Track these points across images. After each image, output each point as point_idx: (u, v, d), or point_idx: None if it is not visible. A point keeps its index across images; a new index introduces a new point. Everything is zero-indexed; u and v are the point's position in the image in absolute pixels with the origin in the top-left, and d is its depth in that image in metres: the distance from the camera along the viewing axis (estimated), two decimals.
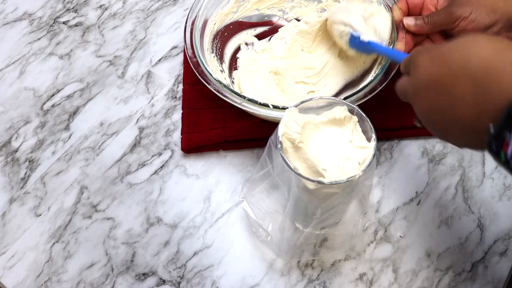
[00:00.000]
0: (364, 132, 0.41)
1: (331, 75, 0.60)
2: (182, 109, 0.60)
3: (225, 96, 0.50)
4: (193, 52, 0.53)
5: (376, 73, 0.51)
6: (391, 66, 0.51)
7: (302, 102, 0.42)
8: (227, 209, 0.53)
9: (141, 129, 0.59)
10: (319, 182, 0.37)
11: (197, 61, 0.52)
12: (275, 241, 0.48)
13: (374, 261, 0.50)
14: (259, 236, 0.49)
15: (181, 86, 0.62)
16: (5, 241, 0.52)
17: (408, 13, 0.53)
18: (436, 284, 0.49)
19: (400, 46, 0.52)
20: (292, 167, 0.38)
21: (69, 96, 0.63)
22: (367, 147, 0.39)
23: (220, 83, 0.50)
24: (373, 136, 0.39)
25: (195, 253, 0.51)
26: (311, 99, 0.42)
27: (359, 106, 0.41)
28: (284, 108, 0.48)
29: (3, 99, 0.63)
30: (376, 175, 0.55)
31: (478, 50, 0.28)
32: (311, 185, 0.38)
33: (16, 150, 0.59)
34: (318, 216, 0.44)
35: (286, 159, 0.38)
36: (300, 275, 0.50)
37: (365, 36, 0.52)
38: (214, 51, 0.60)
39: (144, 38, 0.68)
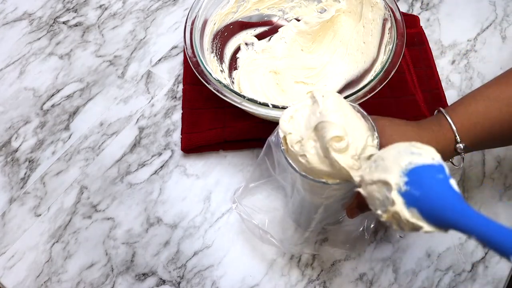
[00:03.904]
0: None
1: (331, 75, 0.60)
2: (182, 109, 0.60)
3: (225, 95, 0.50)
4: (193, 52, 0.53)
5: (376, 72, 0.51)
6: (391, 65, 0.51)
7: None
8: (227, 209, 0.53)
9: (141, 129, 0.59)
10: (324, 183, 0.37)
11: (197, 61, 0.52)
12: (277, 238, 0.48)
13: (374, 261, 0.50)
14: (259, 237, 0.49)
15: (181, 86, 0.62)
16: (5, 241, 0.52)
17: None
18: (436, 284, 0.49)
19: None
20: (296, 168, 0.38)
21: (69, 96, 0.63)
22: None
23: (220, 82, 0.50)
24: (375, 134, 0.39)
25: (195, 253, 0.51)
26: None
27: (359, 105, 0.41)
28: (283, 108, 0.48)
29: (3, 99, 0.63)
30: None
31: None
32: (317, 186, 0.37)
33: (16, 150, 0.58)
34: (321, 213, 0.44)
35: (289, 159, 0.38)
36: (300, 275, 0.49)
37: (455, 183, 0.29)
38: (214, 51, 0.60)
39: (144, 38, 0.68)
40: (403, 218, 0.29)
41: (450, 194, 0.28)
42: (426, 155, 0.30)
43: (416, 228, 0.29)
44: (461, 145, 0.42)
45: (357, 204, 0.43)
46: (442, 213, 0.28)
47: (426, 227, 0.29)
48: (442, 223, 0.28)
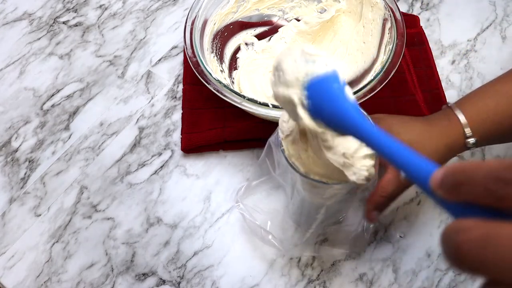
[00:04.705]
0: None
1: None
2: (182, 109, 0.60)
3: (225, 95, 0.50)
4: (193, 52, 0.53)
5: (376, 72, 0.51)
6: (391, 65, 0.51)
7: None
8: (227, 209, 0.53)
9: (141, 129, 0.59)
10: (324, 183, 0.37)
11: (197, 61, 0.52)
12: (278, 239, 0.48)
13: (374, 261, 0.50)
14: (260, 237, 0.49)
15: (181, 86, 0.62)
16: (5, 241, 0.52)
17: None
18: (436, 284, 0.49)
19: None
20: (297, 168, 0.38)
21: (69, 96, 0.63)
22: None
23: (220, 82, 0.50)
24: None
25: (195, 253, 0.51)
26: None
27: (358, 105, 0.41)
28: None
29: (3, 99, 0.63)
30: None
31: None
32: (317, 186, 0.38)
33: (16, 150, 0.59)
34: (323, 213, 0.44)
35: (289, 159, 0.38)
36: (300, 275, 0.49)
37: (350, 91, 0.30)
38: (214, 51, 0.60)
39: (144, 38, 0.68)
40: (312, 130, 0.31)
41: (345, 104, 0.29)
42: (320, 62, 0.30)
43: (324, 138, 0.31)
44: (471, 140, 0.42)
45: (375, 206, 0.42)
46: (341, 123, 0.29)
47: (330, 137, 0.31)
48: (344, 131, 0.29)
